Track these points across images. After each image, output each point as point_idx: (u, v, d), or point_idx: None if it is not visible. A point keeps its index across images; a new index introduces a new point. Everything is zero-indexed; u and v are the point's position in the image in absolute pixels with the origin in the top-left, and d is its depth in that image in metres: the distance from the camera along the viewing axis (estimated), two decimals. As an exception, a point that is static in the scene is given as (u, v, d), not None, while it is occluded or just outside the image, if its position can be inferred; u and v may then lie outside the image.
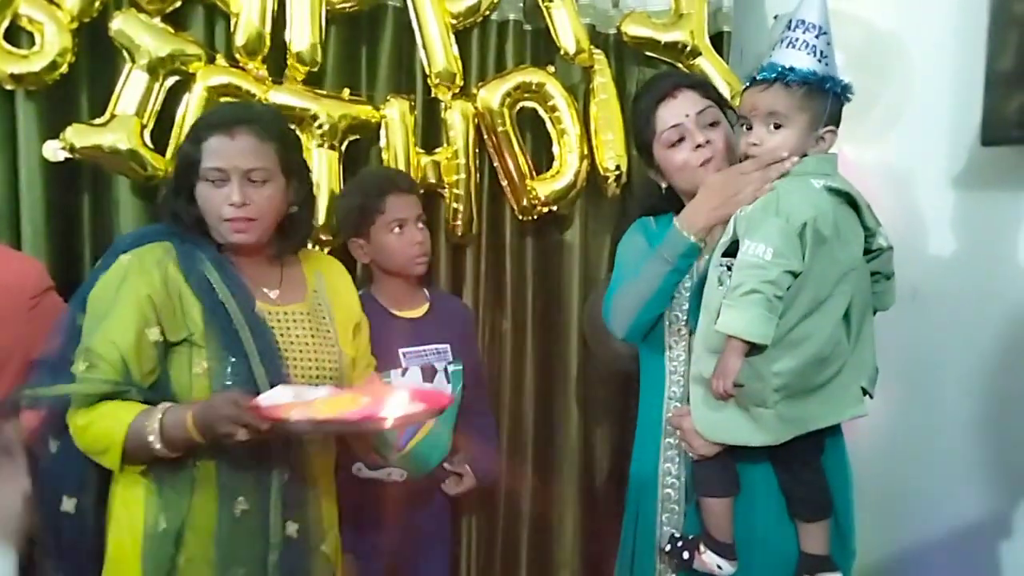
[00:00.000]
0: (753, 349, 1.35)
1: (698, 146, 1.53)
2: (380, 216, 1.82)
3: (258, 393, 1.32)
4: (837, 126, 1.44)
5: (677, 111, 1.55)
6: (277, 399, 1.29)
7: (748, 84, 1.45)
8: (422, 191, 2.05)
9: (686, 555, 1.48)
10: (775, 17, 2.15)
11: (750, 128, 1.44)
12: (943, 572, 2.00)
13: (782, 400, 1.37)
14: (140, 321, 1.36)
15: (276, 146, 1.43)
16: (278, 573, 1.40)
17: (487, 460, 2.02)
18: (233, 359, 1.37)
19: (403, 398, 1.33)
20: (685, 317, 1.55)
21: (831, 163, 1.44)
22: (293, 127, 1.87)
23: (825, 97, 1.39)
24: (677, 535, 1.52)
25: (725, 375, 1.36)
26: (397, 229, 1.82)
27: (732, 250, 1.40)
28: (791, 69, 1.38)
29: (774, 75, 1.39)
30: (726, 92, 2.07)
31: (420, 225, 1.86)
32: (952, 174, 1.94)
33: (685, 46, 2.21)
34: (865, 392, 1.45)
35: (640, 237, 1.67)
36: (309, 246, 1.95)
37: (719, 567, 1.45)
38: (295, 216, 1.51)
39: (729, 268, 1.39)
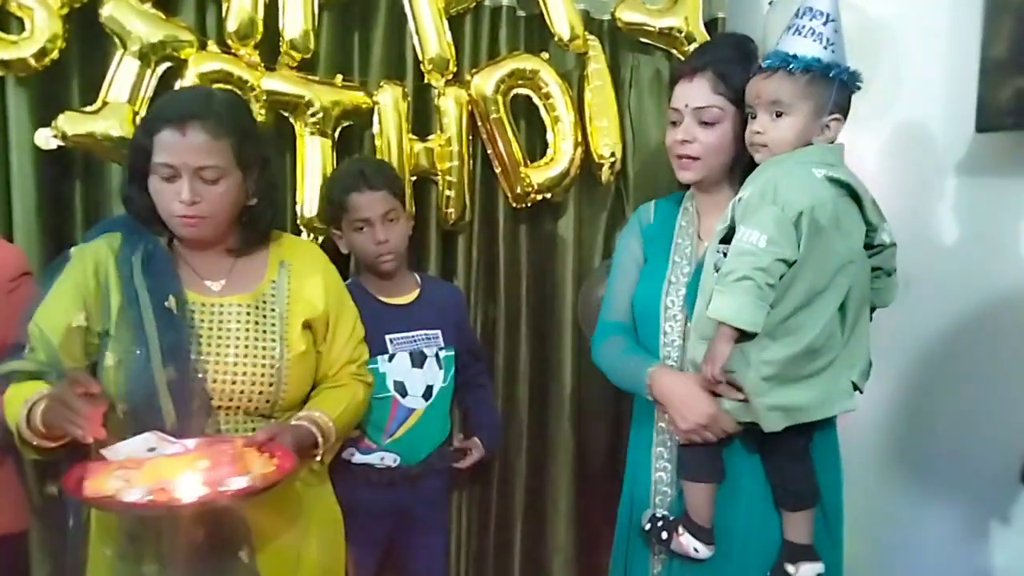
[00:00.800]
0: (743, 336, 1.35)
1: (684, 141, 1.53)
2: (345, 214, 1.84)
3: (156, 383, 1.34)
4: (845, 115, 1.43)
5: (683, 96, 1.54)
6: (128, 451, 1.27)
7: (754, 73, 1.45)
8: (414, 178, 2.05)
9: (664, 535, 1.50)
10: (770, 2, 2.14)
11: (755, 117, 1.44)
12: (937, 559, 2.00)
13: (770, 389, 1.36)
14: (68, 308, 1.39)
15: (231, 141, 1.39)
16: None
17: (492, 430, 2.11)
18: (137, 352, 1.36)
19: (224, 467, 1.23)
20: (681, 303, 1.55)
21: (836, 153, 1.43)
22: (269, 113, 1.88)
23: (830, 85, 1.38)
24: (658, 515, 1.54)
25: (714, 361, 1.37)
26: (360, 228, 1.83)
27: (729, 237, 1.40)
28: (794, 57, 1.37)
29: (778, 63, 1.39)
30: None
31: (391, 219, 1.84)
32: (946, 161, 1.94)
33: (680, 32, 2.20)
34: (856, 387, 1.44)
35: (633, 240, 1.68)
36: (305, 234, 1.96)
37: (695, 550, 1.47)
38: (254, 208, 1.48)
39: (725, 255, 1.39)
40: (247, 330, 1.45)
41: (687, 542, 1.47)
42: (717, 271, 1.39)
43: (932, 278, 1.88)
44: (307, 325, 1.51)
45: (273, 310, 1.48)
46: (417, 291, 1.94)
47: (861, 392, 1.45)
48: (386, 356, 1.84)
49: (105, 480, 1.22)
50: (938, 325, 1.96)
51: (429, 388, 1.89)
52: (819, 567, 1.47)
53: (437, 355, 1.91)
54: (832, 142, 1.44)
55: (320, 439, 1.45)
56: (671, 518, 1.52)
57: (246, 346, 1.44)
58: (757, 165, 1.48)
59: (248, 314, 1.46)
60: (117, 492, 1.20)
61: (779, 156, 1.41)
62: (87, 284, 1.41)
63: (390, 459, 1.85)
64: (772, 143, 1.42)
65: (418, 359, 1.88)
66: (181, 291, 1.44)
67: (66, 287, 1.41)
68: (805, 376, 1.38)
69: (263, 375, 1.44)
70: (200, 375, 1.40)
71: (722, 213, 1.47)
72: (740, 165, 1.55)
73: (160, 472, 1.23)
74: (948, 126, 1.91)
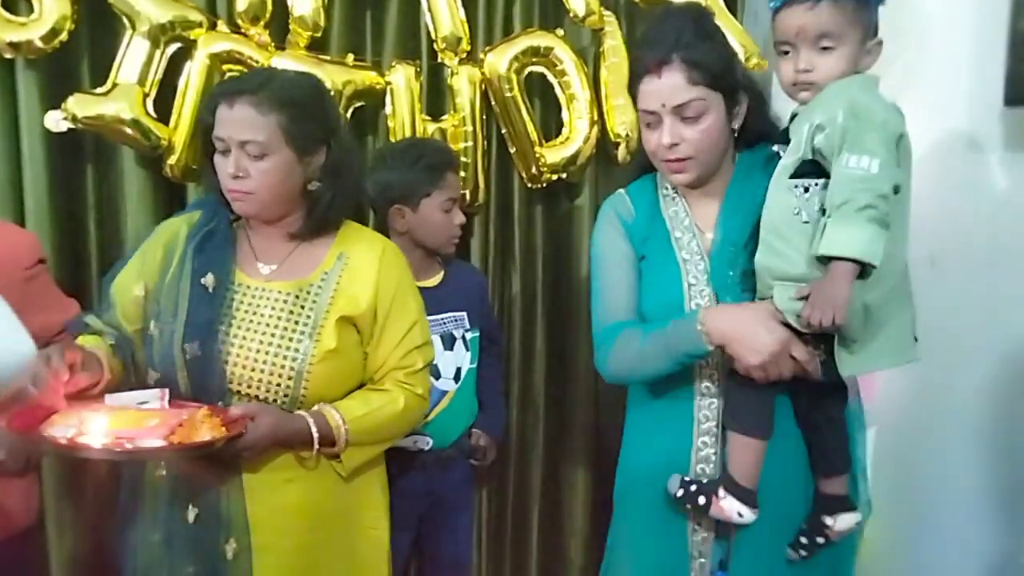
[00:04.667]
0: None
1: (672, 144, 1.39)
2: (436, 192, 1.82)
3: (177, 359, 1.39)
4: (877, 33, 1.34)
5: (655, 95, 1.38)
6: (125, 400, 1.33)
7: (779, 4, 1.31)
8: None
9: (702, 500, 1.39)
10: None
11: (786, 53, 1.32)
12: (957, 537, 1.98)
13: (866, 334, 1.28)
14: (133, 277, 1.47)
15: (280, 119, 1.38)
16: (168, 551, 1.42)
17: (498, 417, 2.08)
18: (167, 325, 1.41)
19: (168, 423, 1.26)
20: (708, 304, 1.43)
21: (875, 82, 1.33)
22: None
23: (871, 6, 1.30)
24: (689, 479, 1.43)
25: (837, 304, 1.21)
26: (448, 208, 1.83)
27: (803, 170, 1.29)
28: None
29: None
30: (740, 54, 2.02)
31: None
32: (973, 135, 1.89)
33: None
34: (915, 338, 1.36)
35: (618, 237, 1.53)
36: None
37: (739, 514, 1.37)
38: (315, 193, 1.45)
39: (806, 190, 1.29)
40: (279, 319, 1.42)
41: (729, 506, 1.37)
42: (798, 213, 1.28)
43: (959, 254, 1.85)
44: (350, 322, 1.45)
45: (315, 303, 1.44)
46: (442, 274, 1.93)
47: (917, 341, 1.36)
48: None
49: (66, 419, 1.26)
50: (964, 304, 1.92)
51: (458, 370, 1.89)
52: (857, 516, 1.42)
53: (464, 337, 1.91)
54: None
55: (315, 435, 1.38)
56: (704, 481, 1.41)
57: (272, 335, 1.41)
58: (746, 143, 1.44)
59: (286, 303, 1.44)
60: (53, 429, 1.24)
61: (840, 82, 1.30)
62: (155, 256, 1.47)
63: (423, 442, 1.85)
64: (822, 80, 1.31)
65: (448, 341, 1.88)
66: (228, 270, 1.44)
67: (139, 257, 1.50)
68: (887, 319, 1.29)
69: (284, 367, 1.40)
70: (223, 357, 1.40)
71: (711, 201, 1.41)
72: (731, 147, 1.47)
73: (111, 422, 1.26)
74: (975, 100, 1.86)
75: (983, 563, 1.90)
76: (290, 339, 1.41)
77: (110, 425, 1.25)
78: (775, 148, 1.42)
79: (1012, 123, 1.81)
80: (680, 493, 1.41)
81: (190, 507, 1.40)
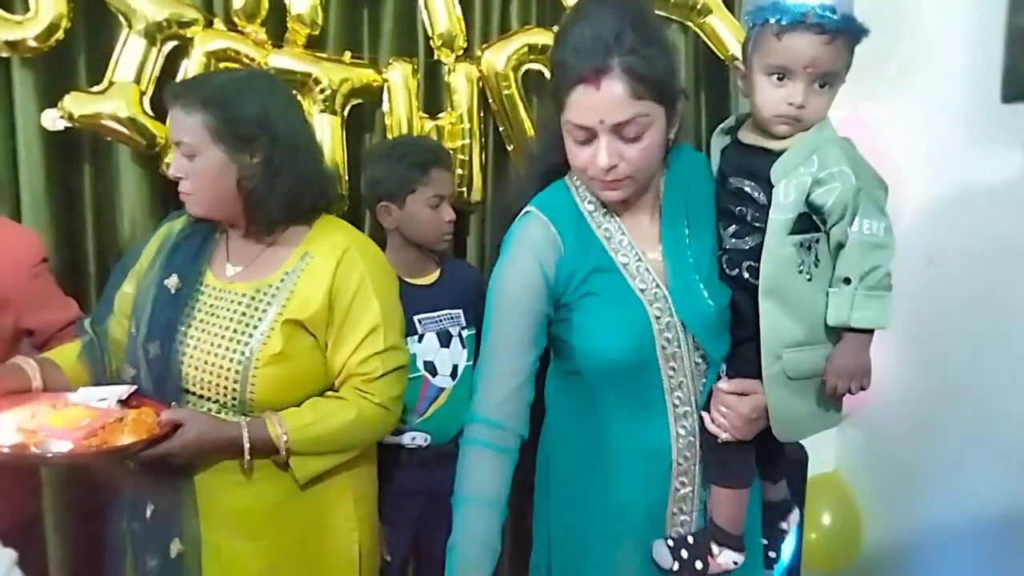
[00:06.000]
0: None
1: (610, 166, 1.22)
2: (422, 188, 1.81)
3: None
4: None
5: (591, 110, 1.19)
6: (84, 396, 1.39)
7: (791, 21, 1.17)
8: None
9: (699, 565, 1.33)
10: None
11: (780, 78, 1.21)
12: (958, 537, 1.98)
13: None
14: (128, 277, 1.52)
15: (205, 118, 1.37)
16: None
17: None
18: (137, 324, 1.45)
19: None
20: (681, 336, 1.30)
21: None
22: (296, 92, 1.83)
23: (853, 45, 1.22)
24: (671, 543, 1.34)
25: (865, 372, 1.24)
26: (436, 204, 1.83)
27: (799, 226, 1.23)
28: (854, 20, 1.18)
29: (835, 25, 1.15)
30: (737, 51, 2.01)
31: (451, 201, 1.87)
32: (971, 132, 1.89)
33: (695, 4, 2.15)
34: None
35: (527, 289, 1.30)
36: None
37: (735, 563, 1.35)
38: (250, 190, 1.41)
39: (808, 247, 1.24)
40: (231, 320, 1.41)
41: (726, 559, 1.33)
42: (801, 268, 1.23)
43: (956, 253, 1.84)
44: (300, 326, 1.40)
45: (269, 304, 1.41)
46: (438, 271, 1.93)
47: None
48: (415, 336, 1.83)
49: (17, 413, 1.32)
50: (962, 301, 1.92)
51: (455, 367, 1.89)
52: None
53: (460, 334, 1.90)
54: None
55: (246, 444, 1.35)
56: (690, 540, 1.34)
57: (222, 336, 1.40)
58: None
59: (240, 304, 1.43)
60: None
61: (823, 130, 1.25)
62: (148, 255, 1.51)
63: (420, 439, 1.85)
64: (808, 119, 1.23)
65: (444, 339, 1.87)
66: (198, 272, 1.45)
67: (135, 256, 1.54)
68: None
69: (229, 369, 1.39)
70: (179, 358, 1.40)
71: (643, 212, 1.32)
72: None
73: (52, 420, 1.30)
74: (972, 97, 1.86)
75: (982, 564, 1.90)
76: (238, 341, 1.40)
77: (50, 422, 1.29)
78: (734, 182, 1.30)
79: (1009, 120, 1.81)
80: (676, 567, 1.33)
81: (149, 503, 1.42)
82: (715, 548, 1.34)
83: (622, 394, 1.33)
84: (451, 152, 1.96)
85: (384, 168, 1.83)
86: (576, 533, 1.41)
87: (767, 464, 1.44)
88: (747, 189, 1.28)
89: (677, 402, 1.33)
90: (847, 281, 1.22)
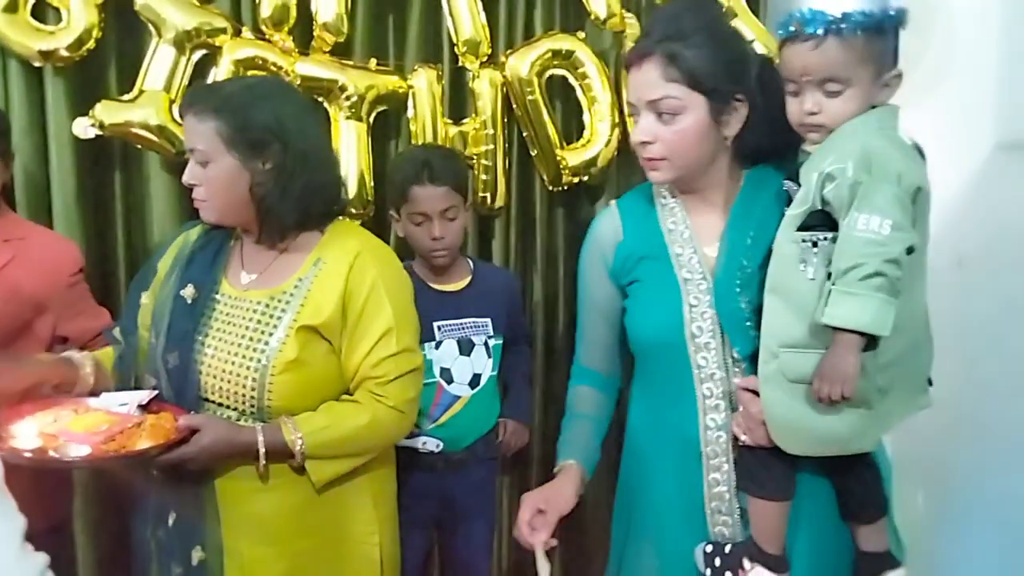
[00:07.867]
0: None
1: (644, 142, 1.32)
2: (404, 204, 1.82)
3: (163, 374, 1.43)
4: (896, 62, 1.21)
5: (633, 87, 1.32)
6: (106, 402, 1.39)
7: (785, 35, 1.21)
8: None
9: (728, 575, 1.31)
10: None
11: (795, 94, 1.22)
12: (990, 544, 1.95)
13: (882, 399, 1.19)
14: (147, 287, 1.52)
15: (217, 125, 1.37)
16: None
17: (521, 401, 2.06)
18: (156, 335, 1.45)
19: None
20: (713, 328, 1.33)
21: (895, 116, 1.22)
22: (320, 99, 1.87)
23: (886, 38, 1.17)
24: (709, 549, 1.33)
25: (846, 378, 1.13)
26: (419, 222, 1.81)
27: (812, 222, 1.19)
28: (844, 17, 1.15)
29: (823, 28, 1.15)
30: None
31: (450, 217, 1.81)
32: (1000, 136, 1.87)
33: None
34: (930, 381, 1.29)
35: (599, 266, 1.46)
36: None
37: None
38: (264, 199, 1.41)
39: (814, 244, 1.19)
40: (247, 328, 1.41)
41: None
42: (804, 266, 1.19)
43: (987, 259, 1.82)
44: (315, 331, 1.40)
45: (284, 311, 1.41)
46: (469, 278, 1.92)
47: (931, 384, 1.31)
48: (432, 343, 1.83)
49: (40, 418, 1.34)
50: (994, 306, 1.89)
51: (477, 376, 1.88)
52: (901, 572, 1.31)
53: (486, 343, 1.89)
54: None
55: (261, 449, 1.35)
56: (727, 550, 1.31)
57: (239, 344, 1.40)
58: (758, 148, 1.34)
59: (256, 311, 1.42)
60: (14, 428, 1.31)
61: (855, 122, 1.20)
62: (165, 265, 1.52)
63: (432, 444, 1.85)
64: (832, 123, 1.20)
65: (466, 347, 1.87)
66: (214, 281, 1.46)
67: (153, 266, 1.55)
68: (901, 375, 1.22)
69: (247, 377, 1.39)
70: (197, 367, 1.41)
71: (712, 211, 1.34)
72: (731, 152, 1.36)
73: (72, 424, 1.31)
74: (1004, 101, 1.84)
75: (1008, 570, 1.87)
76: (255, 349, 1.39)
77: (70, 426, 1.31)
78: (785, 185, 1.33)
79: (1041, 123, 1.79)
80: (708, 574, 1.32)
81: (171, 511, 1.42)
82: (747, 563, 1.29)
83: (655, 377, 1.44)
84: (459, 166, 1.88)
85: (389, 181, 1.87)
86: (631, 527, 1.53)
87: (849, 498, 1.33)
88: (791, 192, 1.30)
89: (708, 392, 1.35)
90: (829, 276, 1.17)
